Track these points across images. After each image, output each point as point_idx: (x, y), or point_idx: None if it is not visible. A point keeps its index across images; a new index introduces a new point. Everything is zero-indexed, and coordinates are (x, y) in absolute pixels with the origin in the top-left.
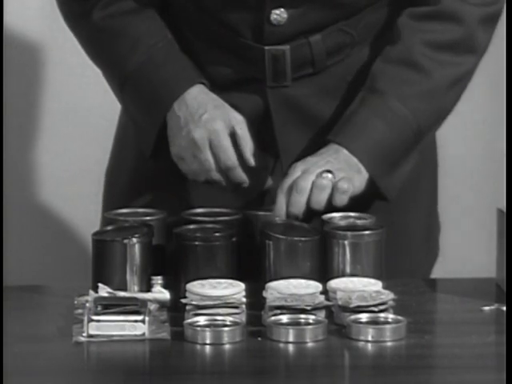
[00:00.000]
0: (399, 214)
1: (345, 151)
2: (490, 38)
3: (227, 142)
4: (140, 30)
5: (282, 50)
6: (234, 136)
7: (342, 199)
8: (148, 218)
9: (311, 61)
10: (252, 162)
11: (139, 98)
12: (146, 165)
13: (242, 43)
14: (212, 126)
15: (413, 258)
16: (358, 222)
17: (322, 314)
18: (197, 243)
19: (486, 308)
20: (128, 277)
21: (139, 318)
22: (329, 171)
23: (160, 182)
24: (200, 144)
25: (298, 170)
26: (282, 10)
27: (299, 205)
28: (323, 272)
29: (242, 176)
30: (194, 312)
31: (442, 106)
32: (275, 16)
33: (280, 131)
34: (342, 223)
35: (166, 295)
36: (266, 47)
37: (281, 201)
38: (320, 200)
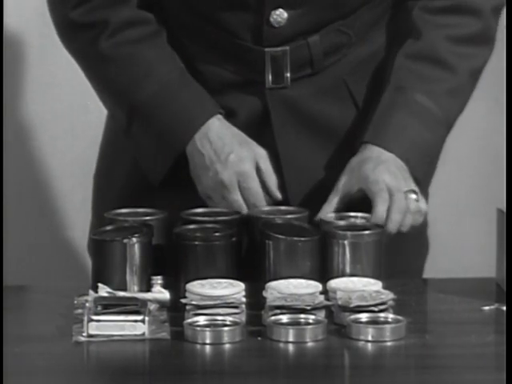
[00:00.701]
0: None
1: (390, 154)
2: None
3: (256, 184)
4: (151, 58)
5: (282, 51)
6: (257, 170)
7: (419, 220)
8: (148, 217)
9: (310, 61)
10: (279, 196)
11: (151, 128)
12: (141, 170)
13: (241, 46)
14: (240, 167)
15: (406, 257)
16: (358, 221)
17: (321, 314)
18: (197, 243)
19: (486, 308)
20: (128, 277)
21: (139, 317)
22: (413, 191)
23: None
24: (229, 186)
25: (383, 185)
26: (282, 10)
27: (397, 224)
28: (323, 272)
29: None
30: (193, 312)
31: (465, 100)
32: (275, 17)
33: (279, 132)
34: (342, 223)
35: (165, 295)
36: (266, 49)
37: (382, 211)
38: (409, 223)
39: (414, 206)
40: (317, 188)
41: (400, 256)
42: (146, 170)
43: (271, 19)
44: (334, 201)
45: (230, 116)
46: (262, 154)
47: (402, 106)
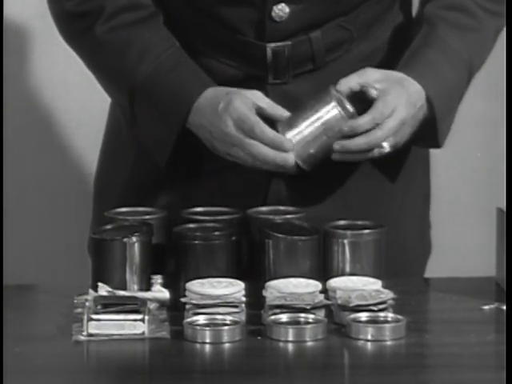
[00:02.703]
0: (393, 216)
1: (418, 86)
2: None
3: (246, 111)
4: (146, 39)
5: (283, 46)
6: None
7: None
8: (148, 216)
9: (311, 57)
10: (287, 113)
11: (151, 107)
12: (144, 168)
13: (243, 41)
14: (230, 108)
15: (407, 257)
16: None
17: (321, 313)
18: (197, 242)
19: (486, 307)
20: (128, 276)
21: (139, 317)
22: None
23: (158, 185)
24: (234, 136)
25: (390, 102)
26: (284, 5)
27: (363, 145)
28: (323, 271)
29: (279, 138)
30: (193, 311)
31: (486, 55)
32: (277, 12)
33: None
34: (342, 222)
35: (165, 294)
36: (268, 44)
37: (367, 122)
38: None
39: (376, 152)
40: (314, 183)
41: (401, 257)
42: (152, 153)
43: (273, 14)
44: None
45: None
46: (257, 94)
47: (433, 45)
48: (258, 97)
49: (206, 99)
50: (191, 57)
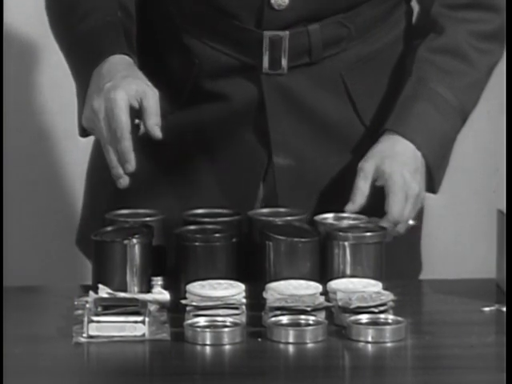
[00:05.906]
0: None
1: (410, 146)
2: None
3: (121, 111)
4: (92, 4)
5: (281, 35)
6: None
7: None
8: (148, 218)
9: (308, 50)
10: (158, 134)
11: (75, 66)
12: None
13: (240, 28)
14: (110, 94)
15: (394, 268)
16: (359, 223)
17: (322, 315)
18: (197, 244)
19: (486, 309)
20: (128, 278)
21: (139, 318)
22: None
23: (152, 183)
24: (96, 113)
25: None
26: None
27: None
28: (323, 273)
29: (129, 154)
30: (194, 313)
31: (480, 94)
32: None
33: (272, 119)
34: (343, 224)
35: (166, 296)
36: (265, 32)
37: (397, 211)
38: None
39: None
40: (304, 178)
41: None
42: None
43: (272, 1)
44: (366, 187)
45: (225, 100)
46: (149, 93)
47: (423, 96)
48: (148, 96)
49: (109, 63)
50: (189, 43)
